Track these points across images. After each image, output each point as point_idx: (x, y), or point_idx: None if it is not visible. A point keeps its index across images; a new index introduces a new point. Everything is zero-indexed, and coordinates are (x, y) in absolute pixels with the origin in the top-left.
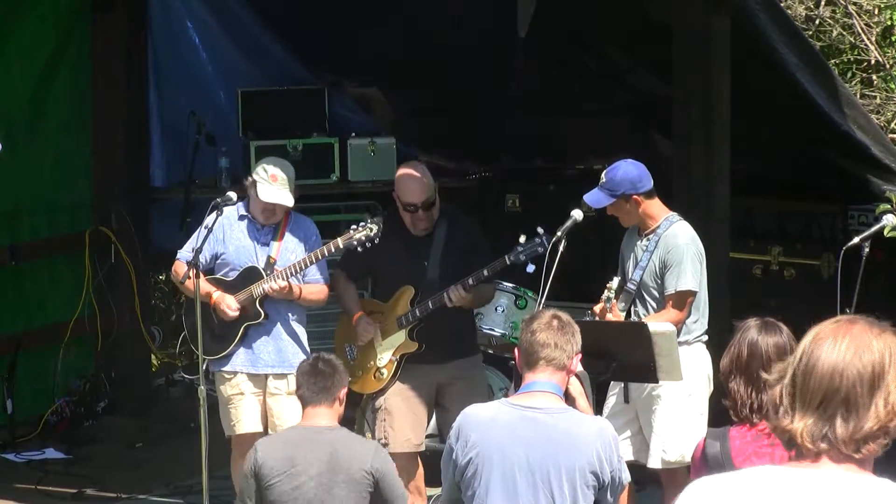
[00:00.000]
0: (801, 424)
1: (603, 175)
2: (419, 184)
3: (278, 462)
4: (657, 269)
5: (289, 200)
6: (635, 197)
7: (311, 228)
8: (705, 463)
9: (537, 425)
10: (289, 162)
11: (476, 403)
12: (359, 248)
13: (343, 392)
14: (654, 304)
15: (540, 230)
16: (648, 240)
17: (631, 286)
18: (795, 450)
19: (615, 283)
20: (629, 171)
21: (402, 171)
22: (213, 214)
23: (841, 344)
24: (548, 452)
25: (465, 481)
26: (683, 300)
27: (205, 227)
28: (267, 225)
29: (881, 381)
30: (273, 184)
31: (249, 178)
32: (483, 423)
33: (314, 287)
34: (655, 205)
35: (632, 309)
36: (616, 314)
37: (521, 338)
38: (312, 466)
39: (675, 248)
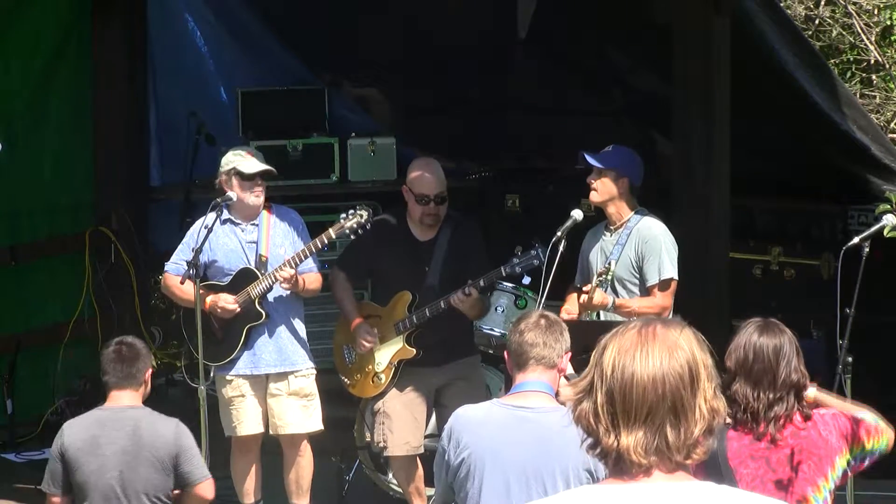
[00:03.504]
0: (630, 440)
1: (610, 147)
2: (434, 176)
3: (83, 443)
4: (633, 261)
5: (271, 168)
6: (624, 179)
7: (294, 218)
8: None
9: (529, 425)
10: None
11: (468, 404)
12: (352, 236)
13: (148, 374)
14: (627, 297)
15: (536, 243)
16: (619, 234)
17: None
18: (623, 466)
19: (611, 266)
20: (635, 158)
21: (417, 164)
22: (213, 214)
23: (652, 351)
24: (540, 452)
25: (457, 482)
26: (667, 287)
27: (204, 227)
28: (252, 220)
29: (699, 379)
30: (250, 158)
31: (222, 177)
32: (475, 423)
33: (311, 277)
34: (632, 201)
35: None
36: (601, 297)
37: (510, 339)
38: (116, 444)
39: (652, 238)
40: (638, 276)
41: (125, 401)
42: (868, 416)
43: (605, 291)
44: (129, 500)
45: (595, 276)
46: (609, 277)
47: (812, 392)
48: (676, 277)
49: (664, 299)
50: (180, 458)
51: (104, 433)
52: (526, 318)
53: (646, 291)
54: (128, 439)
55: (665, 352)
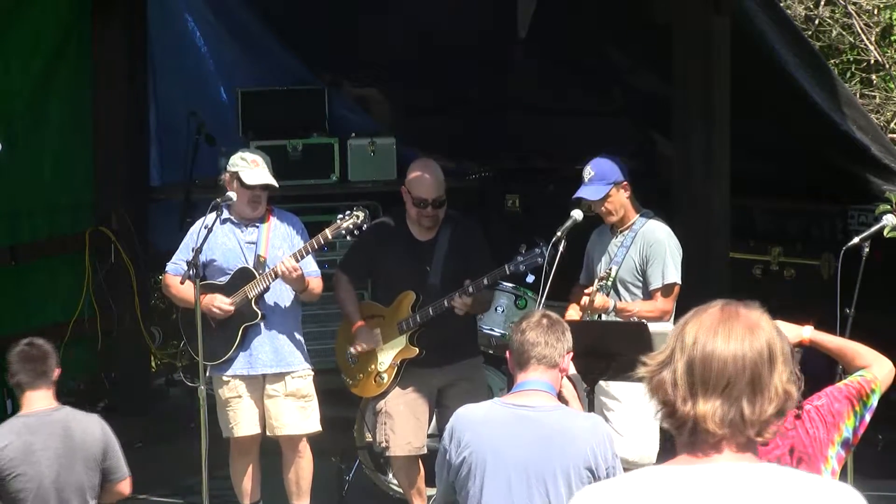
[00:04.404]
0: (707, 407)
1: (589, 170)
2: (433, 180)
3: (17, 451)
4: (636, 265)
5: (274, 182)
6: (624, 182)
7: (295, 222)
8: None
9: (530, 423)
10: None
11: (469, 404)
12: (348, 237)
13: (57, 373)
14: (629, 299)
15: (540, 241)
16: (624, 236)
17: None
18: (696, 438)
19: (612, 272)
20: (612, 160)
21: (416, 166)
22: (213, 214)
23: (734, 328)
24: (541, 450)
25: (459, 481)
26: (670, 292)
27: (204, 227)
28: (252, 221)
29: (776, 360)
30: (256, 168)
31: (226, 174)
32: (476, 422)
33: (313, 280)
34: (635, 203)
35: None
36: (602, 301)
37: (512, 339)
38: (50, 448)
39: (657, 242)
40: (641, 279)
41: (42, 401)
42: (858, 372)
43: (608, 295)
44: (68, 503)
45: (596, 281)
46: (609, 283)
47: (808, 332)
48: (680, 282)
49: (666, 304)
50: (107, 454)
51: (37, 439)
52: (528, 318)
53: (648, 295)
54: (60, 441)
55: (747, 330)
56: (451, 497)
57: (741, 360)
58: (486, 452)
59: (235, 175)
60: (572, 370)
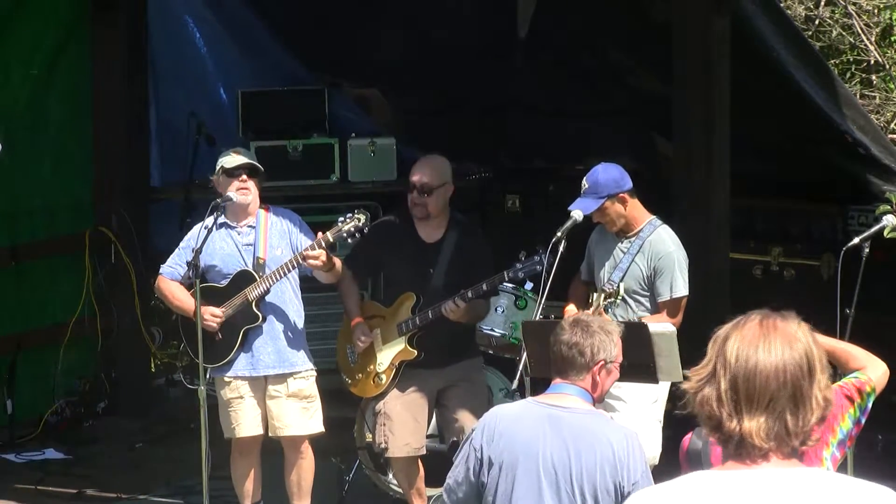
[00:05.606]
0: (753, 424)
1: (584, 181)
2: (425, 166)
3: None
4: (644, 274)
5: (256, 163)
6: (621, 195)
7: (292, 217)
8: (686, 457)
9: (561, 423)
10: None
11: (503, 404)
12: (349, 240)
13: None
14: (634, 307)
15: (539, 248)
16: (630, 242)
17: (608, 288)
18: (743, 451)
19: (619, 289)
20: (609, 171)
21: (422, 156)
22: (212, 217)
23: (774, 342)
24: (570, 451)
25: (490, 478)
26: (678, 305)
27: (204, 228)
28: (247, 220)
29: (815, 370)
30: (237, 155)
31: (214, 178)
32: (511, 418)
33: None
34: (638, 206)
35: (608, 310)
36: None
37: (551, 345)
38: None
39: (667, 254)
40: (648, 289)
41: None
42: (852, 374)
43: (609, 312)
44: None
45: (602, 297)
46: (618, 301)
47: None
48: (688, 294)
49: (677, 320)
50: None
51: None
52: (565, 323)
53: (655, 305)
54: None
55: (786, 343)
56: (470, 500)
57: (783, 373)
58: (518, 450)
59: (220, 170)
60: None
